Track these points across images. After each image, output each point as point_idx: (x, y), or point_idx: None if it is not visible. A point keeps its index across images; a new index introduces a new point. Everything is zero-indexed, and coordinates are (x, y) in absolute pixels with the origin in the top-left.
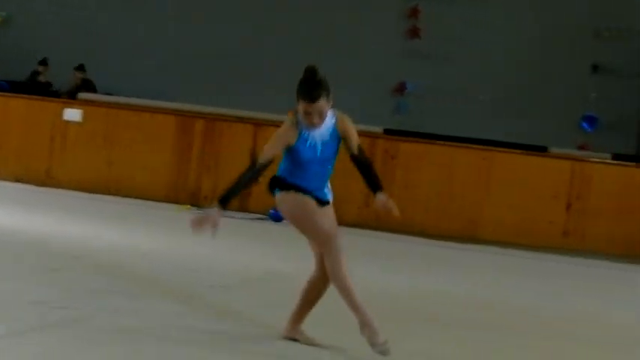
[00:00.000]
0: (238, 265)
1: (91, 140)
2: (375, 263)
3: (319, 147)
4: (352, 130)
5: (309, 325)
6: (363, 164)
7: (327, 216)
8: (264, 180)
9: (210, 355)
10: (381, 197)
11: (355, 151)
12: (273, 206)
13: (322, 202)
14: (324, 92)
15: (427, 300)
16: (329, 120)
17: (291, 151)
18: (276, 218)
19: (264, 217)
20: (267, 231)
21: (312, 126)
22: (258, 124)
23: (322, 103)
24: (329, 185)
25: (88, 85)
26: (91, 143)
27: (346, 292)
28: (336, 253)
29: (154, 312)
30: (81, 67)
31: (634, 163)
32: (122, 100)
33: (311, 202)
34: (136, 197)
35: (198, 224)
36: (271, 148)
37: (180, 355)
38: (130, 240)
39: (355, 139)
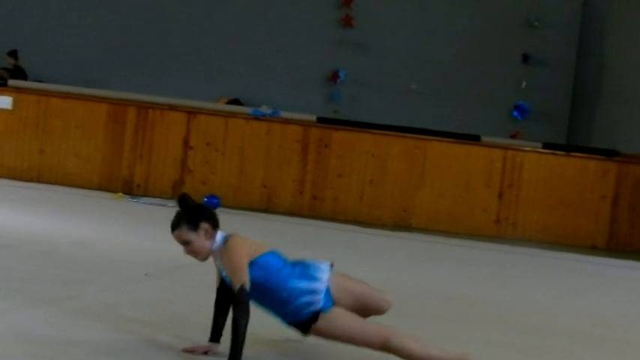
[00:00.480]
0: (172, 252)
1: (22, 128)
2: (307, 251)
3: (227, 279)
4: (230, 262)
5: None
6: (227, 305)
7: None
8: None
9: (141, 344)
10: (213, 346)
11: (233, 288)
12: (207, 194)
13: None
14: (184, 222)
15: None
16: (218, 248)
17: None
18: (211, 206)
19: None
20: None
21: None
22: (191, 112)
23: (180, 233)
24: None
25: (19, 72)
26: (22, 131)
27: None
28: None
29: (86, 301)
30: (13, 53)
31: (564, 152)
32: (53, 87)
33: None
34: (69, 185)
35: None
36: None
37: (117, 344)
38: (62, 228)
39: (232, 274)
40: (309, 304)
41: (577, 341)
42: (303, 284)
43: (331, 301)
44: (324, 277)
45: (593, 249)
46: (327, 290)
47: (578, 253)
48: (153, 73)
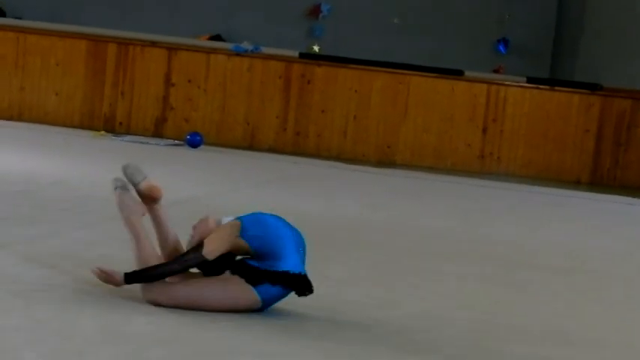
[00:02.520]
0: None
1: (0, 66)
2: (291, 188)
3: None
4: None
5: None
6: None
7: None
8: None
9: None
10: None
11: None
12: (189, 132)
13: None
14: None
15: (345, 225)
16: None
17: None
18: (193, 144)
19: (181, 143)
20: (184, 157)
21: None
22: (172, 48)
23: None
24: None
25: None
26: (1, 69)
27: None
28: None
29: (68, 240)
30: None
31: (548, 87)
32: (32, 24)
33: None
34: (50, 124)
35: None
36: None
37: (98, 282)
38: (42, 168)
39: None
40: None
41: (554, 275)
42: None
43: None
44: None
45: (577, 184)
46: None
47: (562, 188)
48: (130, 10)
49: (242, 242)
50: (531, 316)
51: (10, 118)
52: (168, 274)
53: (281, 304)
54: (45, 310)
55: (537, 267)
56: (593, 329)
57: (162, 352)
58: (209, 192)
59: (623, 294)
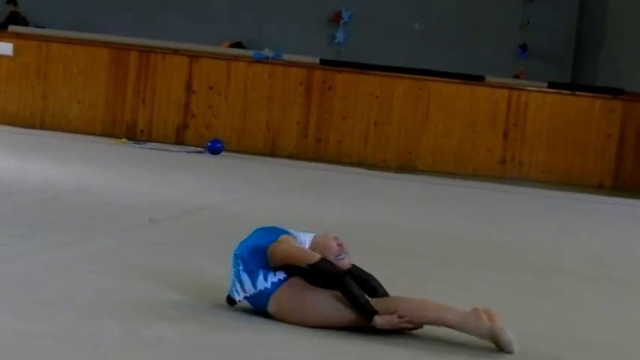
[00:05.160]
0: (175, 197)
1: (23, 74)
2: (313, 194)
3: None
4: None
5: None
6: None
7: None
8: None
9: (145, 289)
10: None
11: None
12: (210, 139)
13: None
14: None
15: (368, 230)
16: None
17: None
18: (214, 151)
19: (202, 150)
20: (205, 164)
21: None
22: (193, 55)
23: None
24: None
25: (18, 19)
26: (24, 77)
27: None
28: None
29: (90, 247)
30: (12, 0)
31: (569, 92)
32: (54, 33)
33: None
34: (72, 132)
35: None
36: None
37: (121, 290)
38: (66, 175)
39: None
40: None
41: (581, 281)
42: None
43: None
44: None
45: (599, 188)
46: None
47: (584, 193)
48: (153, 17)
49: None
50: (559, 323)
51: (32, 127)
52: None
53: None
54: (70, 318)
55: (563, 273)
56: (620, 336)
57: (185, 358)
58: (231, 199)
59: None
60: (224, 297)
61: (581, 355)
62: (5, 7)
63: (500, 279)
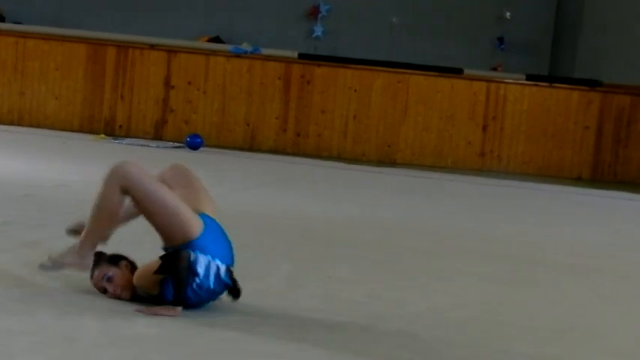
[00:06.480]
0: None
1: (0, 71)
2: (292, 189)
3: None
4: None
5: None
6: None
7: None
8: None
9: None
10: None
11: None
12: (189, 134)
13: None
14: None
15: (348, 224)
16: None
17: None
18: (193, 146)
19: (181, 145)
20: (184, 159)
21: None
22: (171, 50)
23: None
24: None
25: None
26: (1, 74)
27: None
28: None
29: (67, 243)
30: None
31: (547, 84)
32: (31, 28)
33: None
34: (50, 128)
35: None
36: None
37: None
38: (43, 171)
39: None
40: None
41: (562, 273)
42: None
43: None
44: None
45: (577, 180)
46: None
47: (562, 185)
48: (130, 12)
49: None
50: (540, 314)
51: (10, 123)
52: None
53: (284, 304)
54: (49, 314)
55: (543, 264)
56: (600, 326)
57: (165, 354)
58: (211, 194)
59: (632, 293)
60: None
61: (562, 345)
62: None
63: (480, 271)
